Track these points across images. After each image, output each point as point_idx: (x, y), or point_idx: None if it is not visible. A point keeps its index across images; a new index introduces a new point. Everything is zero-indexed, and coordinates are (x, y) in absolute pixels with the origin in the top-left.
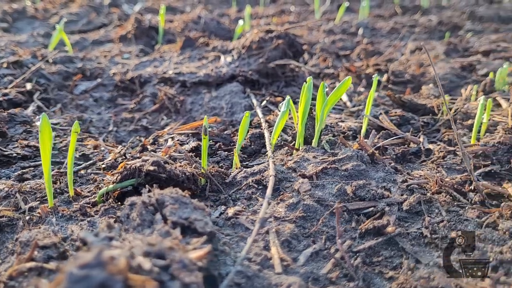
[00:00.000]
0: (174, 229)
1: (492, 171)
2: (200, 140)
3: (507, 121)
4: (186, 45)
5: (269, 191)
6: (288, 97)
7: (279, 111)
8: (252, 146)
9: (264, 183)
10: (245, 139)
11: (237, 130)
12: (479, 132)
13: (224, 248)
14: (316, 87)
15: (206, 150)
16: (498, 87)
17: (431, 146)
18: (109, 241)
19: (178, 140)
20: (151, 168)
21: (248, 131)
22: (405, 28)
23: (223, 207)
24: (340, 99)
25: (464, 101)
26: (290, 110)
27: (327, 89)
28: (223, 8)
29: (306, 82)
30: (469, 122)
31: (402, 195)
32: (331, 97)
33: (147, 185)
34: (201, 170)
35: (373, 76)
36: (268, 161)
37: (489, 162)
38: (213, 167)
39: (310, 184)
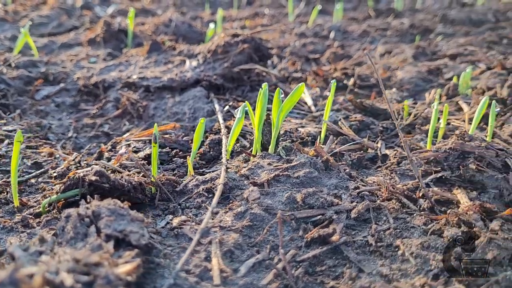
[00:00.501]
0: (108, 242)
1: (443, 177)
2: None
3: (464, 126)
4: (153, 49)
5: (215, 200)
6: (243, 104)
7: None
8: (211, 152)
9: (215, 192)
10: (204, 145)
11: None
12: (436, 137)
13: (164, 260)
14: (284, 92)
15: (156, 158)
16: (461, 91)
17: (388, 152)
18: (38, 256)
19: (134, 147)
20: (93, 178)
21: (207, 137)
22: (377, 31)
23: (170, 217)
24: (305, 103)
25: (426, 105)
26: (249, 115)
27: (282, 95)
28: (198, 11)
29: (262, 88)
30: (428, 127)
31: (352, 202)
32: (286, 103)
33: (88, 196)
34: (151, 178)
35: (341, 80)
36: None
37: (440, 168)
38: (163, 175)
39: (260, 192)
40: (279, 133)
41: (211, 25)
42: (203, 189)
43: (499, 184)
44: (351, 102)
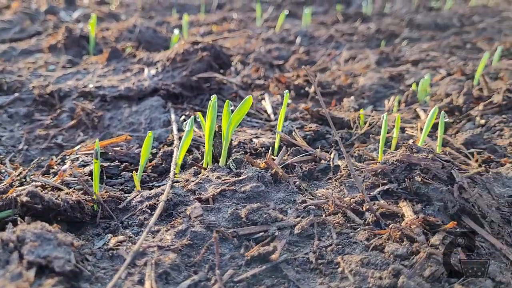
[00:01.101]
0: (29, 269)
1: (390, 189)
2: (105, 160)
3: (418, 134)
4: (112, 56)
5: (153, 220)
6: (192, 116)
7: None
8: (163, 165)
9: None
10: (157, 157)
11: (153, 147)
12: (390, 147)
13: (94, 285)
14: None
15: (97, 175)
16: (420, 98)
17: (340, 163)
18: None
19: (82, 161)
20: (25, 199)
21: (160, 149)
22: (343, 36)
23: (110, 236)
24: (265, 111)
25: (385, 113)
26: (202, 126)
27: (232, 107)
28: (167, 15)
29: (211, 100)
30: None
31: (297, 217)
32: (234, 116)
33: (19, 218)
34: (93, 196)
35: (303, 87)
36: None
37: (387, 180)
38: (106, 191)
39: (205, 208)
40: (231, 144)
41: (176, 31)
42: (146, 206)
43: (444, 197)
44: (307, 111)
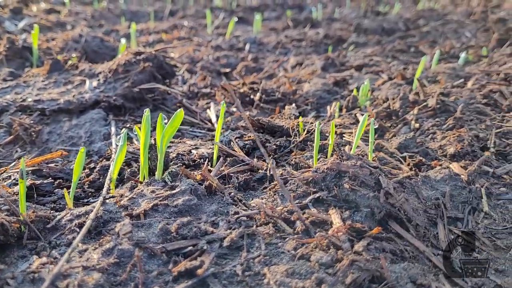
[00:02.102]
0: None
1: (321, 197)
2: (39, 177)
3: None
4: (53, 68)
5: (77, 239)
6: (125, 131)
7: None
8: (101, 180)
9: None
10: (94, 171)
11: (91, 161)
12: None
13: None
14: (188, 110)
15: (23, 195)
16: (361, 103)
17: (277, 171)
18: None
19: (14, 179)
20: None
21: (98, 163)
22: (292, 42)
23: (34, 258)
24: (209, 120)
25: (326, 120)
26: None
27: (166, 120)
28: (117, 24)
29: (145, 113)
30: (323, 142)
31: (228, 229)
32: (167, 129)
33: None
34: (19, 216)
35: (248, 95)
36: (103, 199)
37: (318, 188)
38: (33, 211)
39: (135, 224)
40: (168, 157)
41: (123, 40)
42: (75, 225)
43: (371, 203)
44: (247, 120)
